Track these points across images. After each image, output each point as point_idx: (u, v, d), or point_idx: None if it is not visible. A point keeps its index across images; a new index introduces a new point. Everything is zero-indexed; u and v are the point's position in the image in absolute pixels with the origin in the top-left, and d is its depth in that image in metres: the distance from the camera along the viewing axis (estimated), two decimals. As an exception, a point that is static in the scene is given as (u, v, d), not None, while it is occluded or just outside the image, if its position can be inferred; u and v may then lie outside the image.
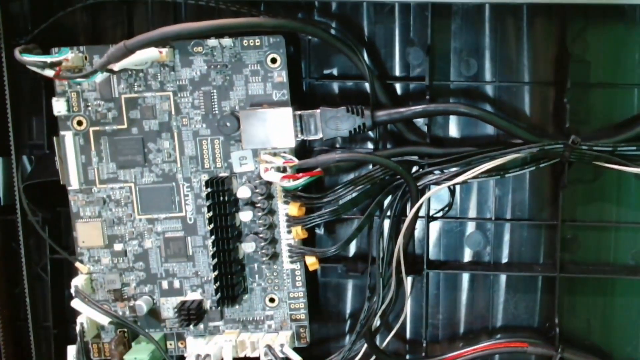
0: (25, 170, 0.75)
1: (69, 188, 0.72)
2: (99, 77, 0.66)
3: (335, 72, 0.75)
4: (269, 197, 0.71)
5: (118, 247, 0.73)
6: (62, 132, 0.71)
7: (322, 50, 0.75)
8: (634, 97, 0.73)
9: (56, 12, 0.72)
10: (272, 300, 0.74)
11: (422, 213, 0.75)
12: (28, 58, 0.64)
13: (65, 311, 0.79)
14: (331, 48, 0.73)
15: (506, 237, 0.77)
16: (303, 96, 0.75)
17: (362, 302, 0.76)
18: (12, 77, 0.71)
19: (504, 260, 0.77)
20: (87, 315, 0.71)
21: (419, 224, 0.76)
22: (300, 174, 0.69)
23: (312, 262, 0.72)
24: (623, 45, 0.72)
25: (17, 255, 0.75)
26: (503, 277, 0.77)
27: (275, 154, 0.69)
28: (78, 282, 0.72)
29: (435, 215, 0.76)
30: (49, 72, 0.65)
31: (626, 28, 0.72)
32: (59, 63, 0.66)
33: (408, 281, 0.73)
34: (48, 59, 0.65)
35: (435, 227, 0.77)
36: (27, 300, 0.75)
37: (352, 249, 0.79)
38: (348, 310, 0.79)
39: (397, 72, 0.75)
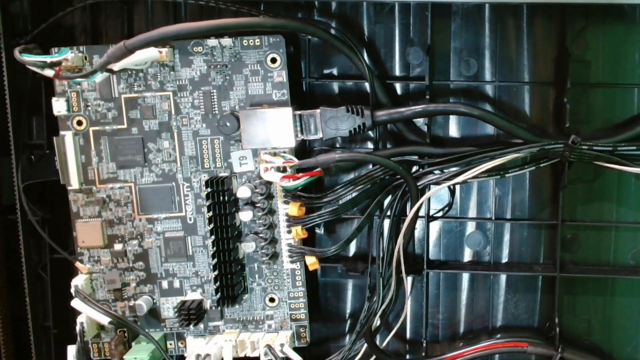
0: (25, 170, 0.75)
1: (69, 188, 0.72)
2: (99, 77, 0.66)
3: (335, 72, 0.75)
4: (269, 197, 0.71)
5: (118, 247, 0.73)
6: (62, 132, 0.71)
7: (322, 50, 0.75)
8: (633, 97, 0.73)
9: (56, 12, 0.72)
10: (272, 300, 0.74)
11: (422, 213, 0.75)
12: (28, 58, 0.64)
13: (65, 311, 0.79)
14: (331, 48, 0.73)
15: (506, 237, 0.77)
16: (303, 96, 0.75)
17: (362, 302, 0.76)
18: (12, 77, 0.71)
19: (504, 260, 0.77)
20: (87, 315, 0.71)
21: (419, 224, 0.76)
22: (300, 174, 0.69)
23: (312, 262, 0.72)
24: (623, 45, 0.72)
25: (17, 255, 0.75)
26: (503, 277, 0.77)
27: (275, 154, 0.69)
28: (78, 282, 0.72)
29: (435, 215, 0.76)
30: (49, 72, 0.65)
31: (626, 28, 0.72)
32: (58, 63, 0.66)
33: (408, 281, 0.73)
34: (48, 58, 0.65)
35: (435, 227, 0.77)
36: (27, 300, 0.75)
37: (352, 248, 0.79)
38: (348, 310, 0.79)
39: (397, 72, 0.75)
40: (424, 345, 0.77)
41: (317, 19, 0.74)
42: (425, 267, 0.76)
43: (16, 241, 0.74)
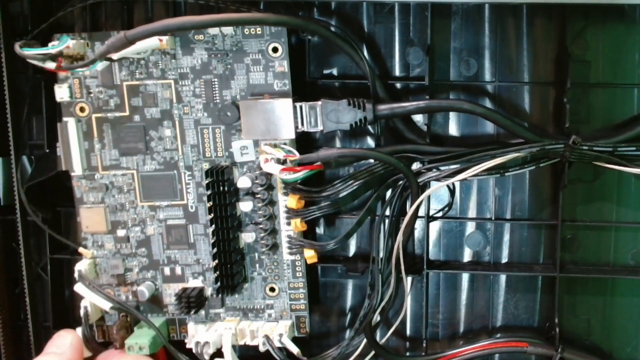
0: (25, 170, 0.75)
1: (72, 174, 0.72)
2: (100, 66, 0.66)
3: (335, 72, 0.75)
4: (269, 188, 0.71)
5: (121, 233, 0.74)
6: (64, 118, 0.71)
7: (322, 50, 0.75)
8: (633, 97, 0.73)
9: (56, 12, 0.72)
10: (272, 289, 0.75)
11: (422, 213, 0.75)
12: (28, 52, 0.64)
13: (65, 311, 0.79)
14: (331, 49, 0.73)
15: (506, 237, 0.77)
16: (304, 88, 0.74)
17: (362, 302, 0.76)
18: (12, 77, 0.71)
19: (504, 260, 0.77)
20: (90, 299, 0.71)
21: (419, 224, 0.76)
22: (300, 167, 0.68)
23: (310, 255, 0.72)
24: (623, 45, 0.72)
25: (17, 255, 0.75)
26: (503, 277, 0.77)
27: (275, 146, 0.69)
28: (82, 266, 0.73)
29: (435, 215, 0.76)
30: (50, 65, 0.65)
31: (626, 28, 0.72)
32: (59, 54, 0.66)
33: (408, 281, 0.73)
34: (49, 50, 0.65)
35: (435, 227, 0.77)
36: (27, 300, 0.75)
37: (352, 248, 0.79)
38: (348, 310, 0.79)
39: (397, 72, 0.75)
40: (424, 345, 0.78)
41: (317, 19, 0.73)
42: (425, 267, 0.76)
43: (16, 241, 0.74)
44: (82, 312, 0.72)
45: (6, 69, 0.70)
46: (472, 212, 0.77)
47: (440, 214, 0.76)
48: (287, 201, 0.70)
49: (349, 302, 0.79)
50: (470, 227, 0.77)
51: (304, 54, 0.75)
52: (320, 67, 0.75)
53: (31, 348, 0.76)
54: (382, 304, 0.72)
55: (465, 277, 0.78)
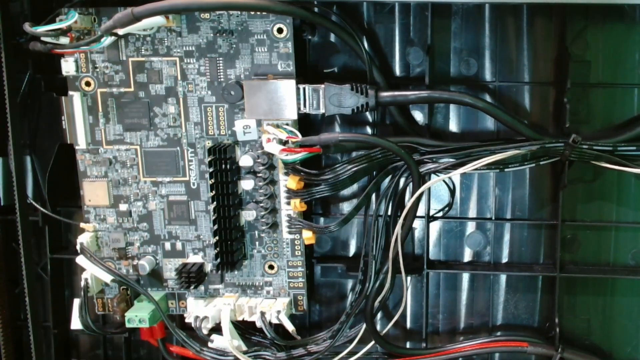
0: (25, 170, 0.75)
1: (77, 147, 0.73)
2: (107, 42, 0.67)
3: (335, 71, 0.75)
4: (271, 167, 0.71)
5: (123, 207, 0.74)
6: (70, 92, 0.72)
7: (322, 50, 0.75)
8: (634, 97, 0.73)
9: (56, 12, 0.72)
10: (271, 267, 0.75)
11: (422, 213, 0.75)
12: (41, 29, 0.65)
13: (65, 311, 0.79)
14: (331, 49, 0.74)
15: (506, 237, 0.77)
16: (306, 71, 0.74)
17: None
18: (12, 77, 0.71)
19: (504, 260, 0.77)
20: (91, 272, 0.72)
21: (419, 224, 0.76)
22: (299, 149, 0.68)
23: (308, 236, 0.71)
24: (623, 45, 0.72)
25: (17, 255, 0.75)
26: (503, 277, 0.77)
27: (277, 126, 0.69)
28: (84, 239, 0.73)
29: (435, 215, 0.76)
30: (64, 40, 0.66)
31: (626, 28, 0.72)
32: (69, 29, 0.67)
33: (408, 280, 0.73)
34: (60, 25, 0.66)
35: (435, 227, 0.77)
36: (27, 301, 0.75)
37: (352, 248, 0.79)
38: (348, 310, 0.79)
39: (397, 72, 0.75)
40: (424, 345, 0.78)
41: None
42: (425, 267, 0.76)
43: (16, 241, 0.74)
44: (82, 284, 0.72)
45: (6, 69, 0.70)
46: (472, 212, 0.77)
47: (440, 214, 0.76)
48: (287, 181, 0.70)
49: (348, 302, 0.79)
50: (471, 227, 0.77)
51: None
52: (320, 68, 0.75)
53: (31, 348, 0.76)
54: (383, 293, 0.72)
55: (465, 277, 0.78)
